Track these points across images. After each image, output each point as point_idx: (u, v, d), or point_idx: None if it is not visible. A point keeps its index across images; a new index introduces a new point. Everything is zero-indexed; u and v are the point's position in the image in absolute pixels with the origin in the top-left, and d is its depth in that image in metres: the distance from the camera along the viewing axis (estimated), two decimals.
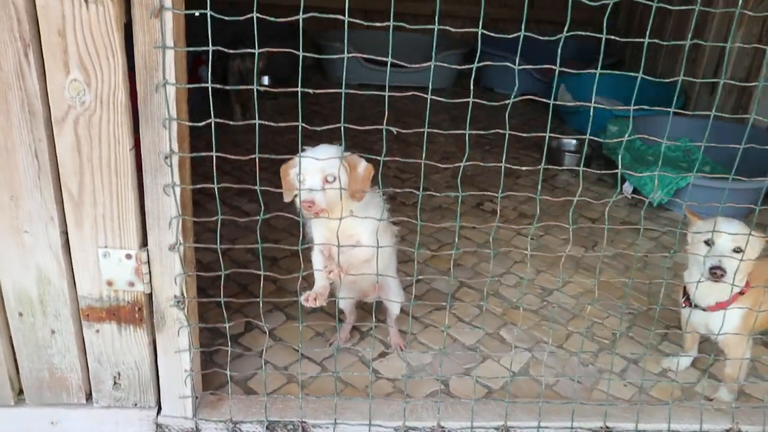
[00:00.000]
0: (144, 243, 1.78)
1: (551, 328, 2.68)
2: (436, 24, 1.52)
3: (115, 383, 1.97)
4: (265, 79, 5.40)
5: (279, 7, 6.16)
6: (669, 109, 1.88)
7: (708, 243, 2.12)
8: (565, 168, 4.33)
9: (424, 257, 3.18)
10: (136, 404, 2.00)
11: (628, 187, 3.88)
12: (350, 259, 2.06)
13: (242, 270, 1.99)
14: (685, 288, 2.29)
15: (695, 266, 2.17)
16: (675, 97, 1.84)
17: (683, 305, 2.29)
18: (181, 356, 1.92)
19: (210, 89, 1.55)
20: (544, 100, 1.79)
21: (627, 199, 3.92)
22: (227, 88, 3.20)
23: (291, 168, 2.04)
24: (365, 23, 1.61)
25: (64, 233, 1.76)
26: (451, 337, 2.62)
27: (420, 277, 2.97)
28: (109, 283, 1.81)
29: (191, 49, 1.54)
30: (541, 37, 1.69)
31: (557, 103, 1.81)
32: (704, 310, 2.20)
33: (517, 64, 1.66)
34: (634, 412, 2.12)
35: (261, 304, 1.90)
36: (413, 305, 2.80)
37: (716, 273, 2.03)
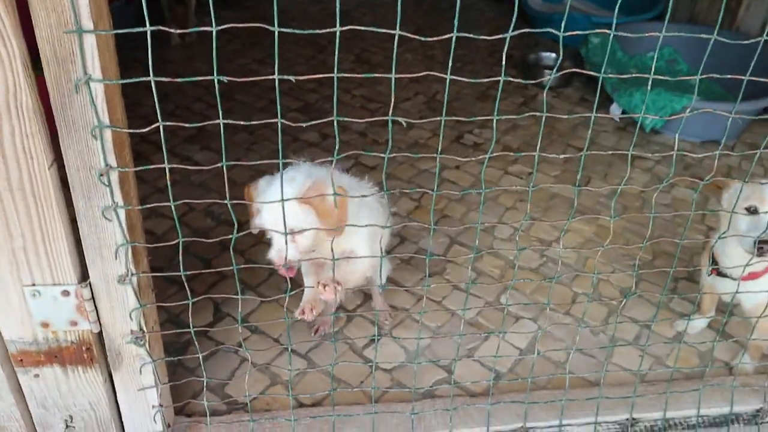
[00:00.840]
0: (84, 276, 1.39)
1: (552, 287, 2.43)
2: None
3: (67, 426, 1.63)
4: None
5: None
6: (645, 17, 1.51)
7: (751, 210, 1.85)
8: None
9: (407, 209, 2.84)
10: None
11: (616, 109, 3.56)
12: (346, 276, 1.72)
13: (202, 239, 1.48)
14: (712, 253, 2.05)
15: (731, 233, 1.91)
16: None
17: (709, 273, 2.04)
18: (146, 393, 1.59)
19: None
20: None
21: (616, 123, 3.61)
22: None
23: (255, 194, 1.63)
24: None
25: None
26: (448, 311, 2.35)
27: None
28: (45, 325, 1.43)
29: (121, 31, 1.08)
30: None
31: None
32: (734, 279, 1.96)
33: None
34: (661, 400, 1.92)
35: (239, 322, 1.56)
36: (397, 270, 2.51)
37: (763, 248, 1.78)
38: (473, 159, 2.18)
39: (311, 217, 1.55)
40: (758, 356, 2.15)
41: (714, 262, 2.03)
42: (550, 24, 4.62)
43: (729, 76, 1.41)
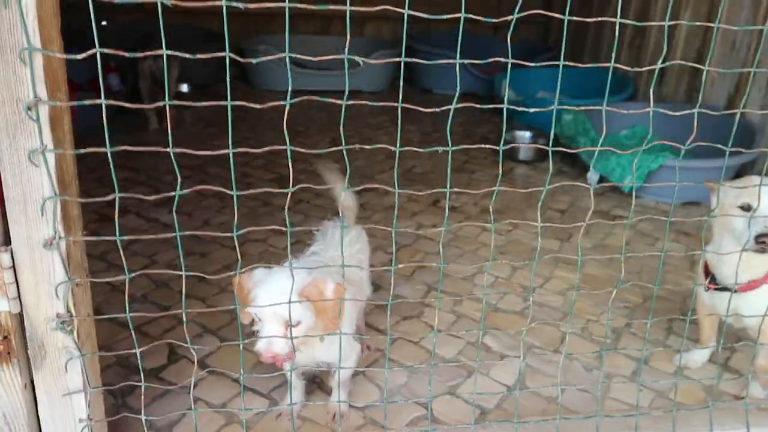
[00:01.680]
0: (6, 240, 1.24)
1: (538, 326, 2.25)
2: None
3: None
4: (184, 87, 4.84)
5: (195, 13, 5.53)
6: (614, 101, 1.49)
7: (744, 207, 1.75)
8: (521, 161, 3.99)
9: (383, 262, 2.70)
10: None
11: (593, 175, 3.55)
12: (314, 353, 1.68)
13: (171, 273, 1.44)
14: (706, 267, 1.91)
15: (727, 238, 1.80)
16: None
17: (707, 288, 1.90)
18: (72, 401, 1.37)
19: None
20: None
21: (594, 189, 3.57)
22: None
23: (248, 286, 1.55)
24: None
25: None
26: (426, 351, 2.15)
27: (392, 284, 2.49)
28: None
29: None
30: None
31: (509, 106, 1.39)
32: (734, 291, 1.82)
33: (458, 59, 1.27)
34: (668, 421, 1.70)
35: (185, 322, 1.38)
36: (373, 314, 2.33)
37: (765, 242, 1.66)
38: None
39: (308, 313, 1.52)
40: None
41: (710, 278, 1.90)
42: (522, 112, 4.75)
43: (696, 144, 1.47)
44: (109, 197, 1.13)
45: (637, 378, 2.03)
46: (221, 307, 1.87)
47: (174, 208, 1.20)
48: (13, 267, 1.24)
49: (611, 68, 1.41)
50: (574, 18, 1.32)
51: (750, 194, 1.75)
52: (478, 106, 1.47)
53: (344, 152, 1.28)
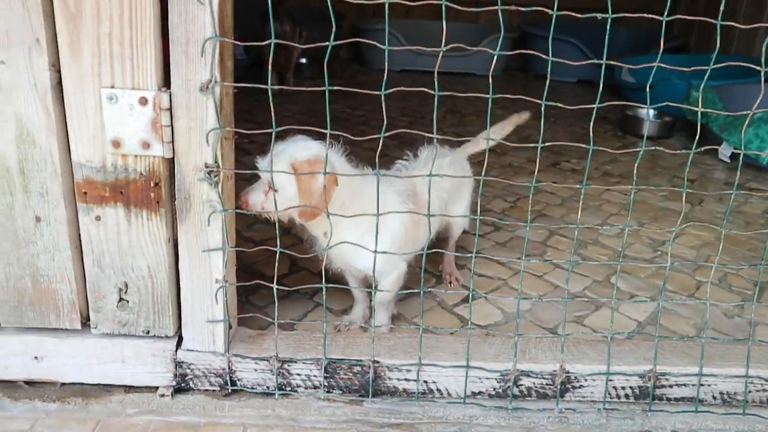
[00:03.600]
0: (166, 81, 1.28)
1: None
2: None
3: (120, 300, 1.43)
4: (303, 60, 4.97)
5: None
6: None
7: None
8: (644, 136, 3.80)
9: (502, 207, 2.63)
10: (148, 332, 1.46)
11: (725, 149, 3.32)
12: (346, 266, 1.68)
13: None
14: None
15: None
16: None
17: None
18: (211, 259, 1.39)
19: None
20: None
21: (726, 163, 3.35)
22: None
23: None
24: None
25: (55, 67, 1.26)
26: (550, 284, 2.06)
27: (505, 221, 2.42)
28: (116, 144, 1.29)
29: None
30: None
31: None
32: None
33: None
34: None
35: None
36: (493, 249, 2.26)
37: None
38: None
39: (290, 186, 1.43)
40: None
41: None
42: (641, 92, 4.54)
43: None
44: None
45: None
46: None
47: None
48: (170, 111, 1.27)
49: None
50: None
51: None
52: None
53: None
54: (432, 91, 1.28)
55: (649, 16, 1.32)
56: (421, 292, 1.46)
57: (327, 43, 1.23)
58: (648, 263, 2.23)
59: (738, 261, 2.28)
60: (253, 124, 3.59)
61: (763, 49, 1.25)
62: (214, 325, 1.45)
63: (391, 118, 3.85)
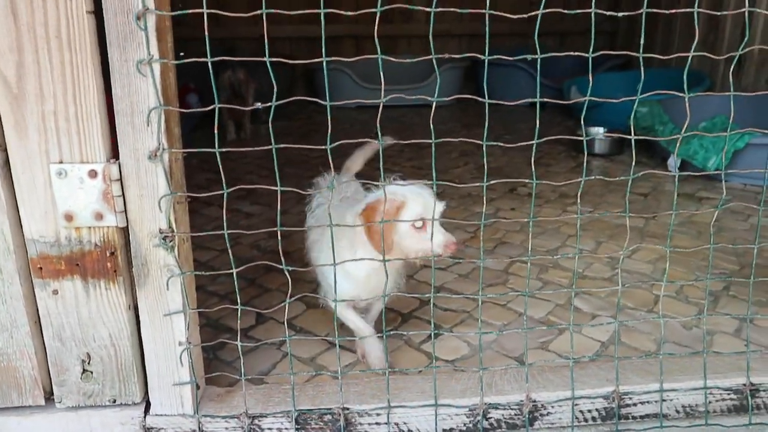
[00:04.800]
0: (114, 152, 1.30)
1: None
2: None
3: (84, 371, 1.43)
4: (258, 104, 5.02)
5: (271, 39, 5.73)
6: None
7: None
8: (597, 154, 3.91)
9: (463, 238, 2.68)
10: (114, 400, 1.46)
11: (673, 162, 3.44)
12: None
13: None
14: None
15: None
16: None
17: None
18: (173, 322, 1.40)
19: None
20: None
21: (673, 176, 3.46)
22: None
23: (397, 200, 1.52)
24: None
25: (2, 147, 1.27)
26: (514, 312, 2.10)
27: (458, 260, 2.46)
28: (68, 218, 1.30)
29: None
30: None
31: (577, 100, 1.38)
32: None
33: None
34: None
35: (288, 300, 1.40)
36: (457, 282, 2.30)
37: None
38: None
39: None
40: None
41: None
42: (594, 109, 4.69)
43: None
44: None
45: (746, 328, 1.91)
46: (305, 278, 1.92)
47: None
48: (120, 181, 1.29)
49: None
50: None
51: None
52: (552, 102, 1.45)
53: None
54: (375, 141, 1.32)
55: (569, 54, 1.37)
56: (384, 335, 1.48)
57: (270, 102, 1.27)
58: (608, 282, 2.29)
59: (693, 271, 2.35)
60: (212, 173, 3.60)
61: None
62: (181, 387, 1.45)
63: (349, 155, 3.91)
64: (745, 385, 1.56)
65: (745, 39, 1.34)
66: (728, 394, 1.56)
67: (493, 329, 2.00)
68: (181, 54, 1.36)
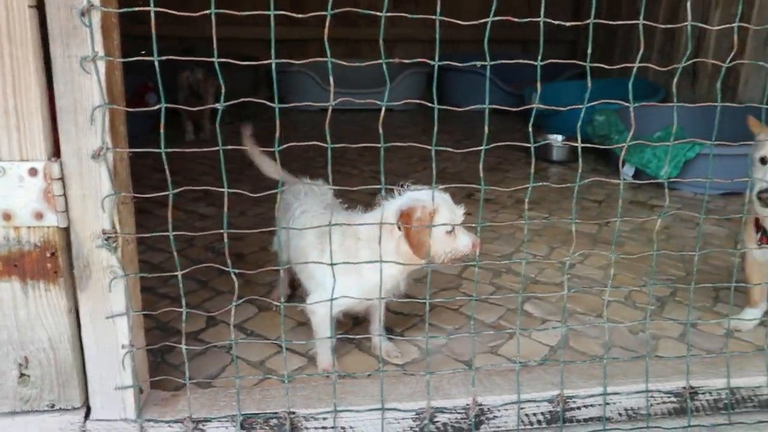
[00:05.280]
0: (55, 151, 1.27)
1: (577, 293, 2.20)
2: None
3: (21, 375, 1.39)
4: (218, 105, 4.97)
5: (229, 40, 5.72)
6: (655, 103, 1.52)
7: (764, 161, 1.73)
8: (554, 161, 3.98)
9: None
10: (53, 405, 1.42)
11: (628, 170, 3.52)
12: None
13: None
14: (757, 222, 1.87)
15: None
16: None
17: (759, 243, 1.85)
18: (115, 325, 1.37)
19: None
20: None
21: (629, 183, 3.54)
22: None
23: (429, 208, 1.59)
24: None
25: None
26: (465, 317, 2.12)
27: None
28: (7, 217, 1.27)
29: None
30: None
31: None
32: None
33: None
34: (721, 366, 1.63)
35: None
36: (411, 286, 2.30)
37: (765, 198, 1.65)
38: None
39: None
40: None
41: (762, 233, 1.85)
42: (553, 117, 4.77)
43: None
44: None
45: (687, 333, 1.96)
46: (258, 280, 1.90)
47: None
48: (62, 180, 1.27)
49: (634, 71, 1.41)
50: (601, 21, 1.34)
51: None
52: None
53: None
54: (324, 144, 1.32)
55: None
56: (332, 338, 1.48)
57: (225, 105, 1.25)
58: (559, 287, 2.33)
59: (642, 277, 2.40)
60: (170, 173, 3.55)
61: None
62: (123, 391, 1.42)
63: (309, 158, 3.90)
64: (685, 388, 1.60)
65: (688, 51, 1.37)
66: (669, 397, 1.60)
67: (444, 333, 2.02)
68: (142, 52, 1.34)
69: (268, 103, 1.31)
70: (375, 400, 1.51)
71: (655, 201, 3.31)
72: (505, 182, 3.54)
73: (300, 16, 1.30)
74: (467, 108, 1.50)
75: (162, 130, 1.25)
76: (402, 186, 1.69)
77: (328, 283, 1.46)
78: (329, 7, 1.21)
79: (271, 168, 2.10)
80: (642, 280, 2.38)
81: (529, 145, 1.46)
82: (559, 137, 4.21)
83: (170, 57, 1.21)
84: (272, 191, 1.38)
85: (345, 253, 1.61)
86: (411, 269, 1.71)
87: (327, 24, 1.22)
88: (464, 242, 1.64)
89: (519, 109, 1.55)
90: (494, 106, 1.48)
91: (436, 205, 1.59)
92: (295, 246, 1.83)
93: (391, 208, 1.64)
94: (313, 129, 4.96)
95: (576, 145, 1.53)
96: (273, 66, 1.23)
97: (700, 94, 4.40)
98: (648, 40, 5.01)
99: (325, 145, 1.32)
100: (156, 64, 1.18)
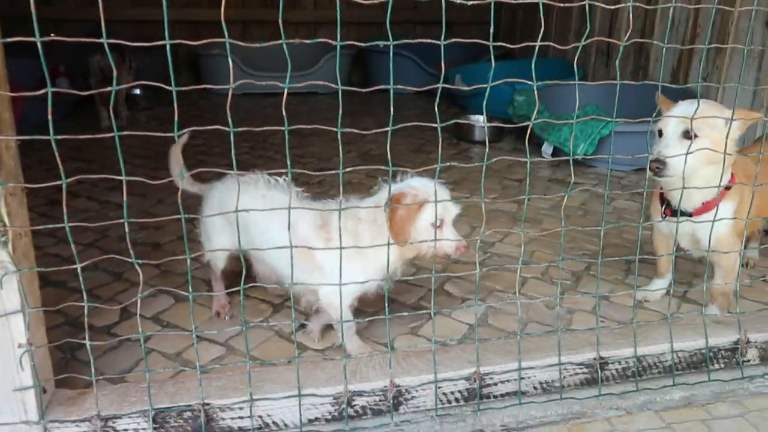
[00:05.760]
0: None
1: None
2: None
3: None
4: (137, 90, 4.78)
5: (143, 22, 5.48)
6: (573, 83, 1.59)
7: (660, 134, 1.80)
8: (477, 141, 4.02)
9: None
10: None
11: (547, 148, 3.60)
12: None
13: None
14: (662, 195, 1.93)
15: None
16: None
17: (663, 215, 1.92)
18: (10, 323, 1.30)
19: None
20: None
21: (549, 161, 3.62)
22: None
23: (417, 199, 1.63)
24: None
25: None
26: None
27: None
28: None
29: None
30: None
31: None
32: (690, 215, 1.84)
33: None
34: (629, 336, 1.70)
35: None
36: None
37: (654, 168, 1.72)
38: None
39: None
40: (725, 304, 1.97)
41: (665, 205, 1.92)
42: (475, 97, 4.82)
43: None
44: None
45: (597, 308, 2.03)
46: (176, 270, 1.85)
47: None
48: None
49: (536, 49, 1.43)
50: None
51: (664, 121, 1.80)
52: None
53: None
54: (226, 128, 1.28)
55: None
56: (243, 328, 1.45)
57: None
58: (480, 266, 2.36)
59: (559, 253, 2.46)
60: (82, 162, 3.39)
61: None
62: (23, 392, 1.35)
63: (230, 143, 3.81)
64: (595, 359, 1.65)
65: (587, 31, 1.40)
66: (581, 368, 1.65)
67: (365, 316, 2.01)
68: (51, 35, 1.26)
69: (165, 87, 1.25)
70: (292, 386, 1.49)
71: (575, 179, 3.40)
72: (428, 163, 3.50)
73: None
74: (370, 89, 1.48)
75: (50, 116, 1.18)
76: (405, 174, 1.75)
77: (337, 270, 1.48)
78: None
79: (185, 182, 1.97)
80: (560, 256, 2.44)
81: (436, 125, 1.45)
82: (481, 118, 4.27)
83: (54, 38, 1.14)
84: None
85: (348, 235, 1.62)
86: (406, 255, 1.73)
87: (223, 4, 1.17)
88: (448, 241, 1.65)
89: (431, 88, 1.54)
90: (397, 87, 1.46)
91: (426, 196, 1.62)
92: (275, 243, 1.60)
93: (385, 192, 1.66)
94: (236, 113, 4.84)
95: (499, 125, 1.56)
96: (168, 47, 1.17)
97: (613, 73, 4.53)
98: (566, 21, 5.13)
99: (226, 129, 1.27)
100: (38, 45, 1.11)
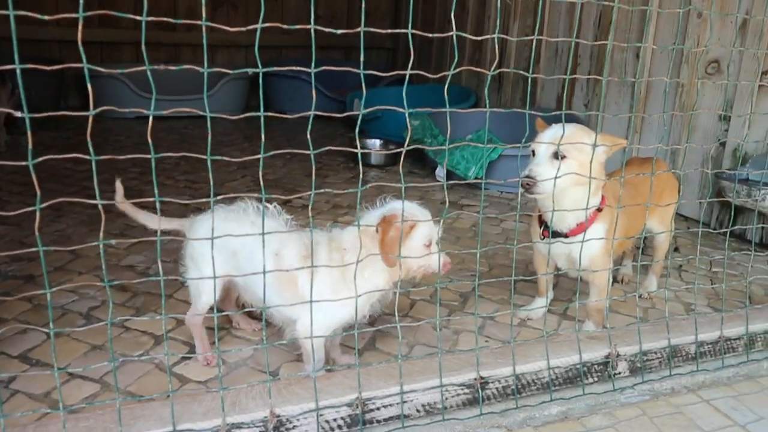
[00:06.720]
0: None
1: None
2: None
3: None
4: (18, 113, 4.52)
5: (39, 42, 5.20)
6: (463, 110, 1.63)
7: (534, 153, 1.90)
8: (373, 165, 4.07)
9: None
10: None
11: (440, 171, 3.69)
12: None
13: None
14: (540, 218, 2.02)
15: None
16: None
17: (541, 237, 2.00)
18: None
19: None
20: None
21: (442, 183, 3.72)
22: None
23: (413, 227, 1.67)
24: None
25: None
26: (273, 327, 2.09)
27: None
28: None
29: None
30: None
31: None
32: (566, 236, 1.93)
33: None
34: (509, 355, 1.75)
35: None
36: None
37: (525, 184, 1.82)
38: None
39: None
40: (600, 320, 2.07)
41: (543, 227, 2.00)
42: (373, 122, 4.89)
43: None
44: None
45: (476, 329, 2.08)
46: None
47: None
48: None
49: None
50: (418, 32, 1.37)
51: (536, 143, 1.90)
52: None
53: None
54: (120, 157, 1.23)
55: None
56: (113, 363, 1.38)
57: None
58: None
59: (448, 275, 2.52)
60: None
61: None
62: None
63: (121, 170, 3.66)
64: (476, 379, 1.69)
65: (455, 60, 1.45)
66: (462, 389, 1.68)
67: (252, 345, 1.97)
68: None
69: (16, 114, 1.19)
70: (167, 422, 1.43)
71: (465, 200, 3.50)
72: (324, 187, 3.56)
73: (52, 17, 1.19)
74: (237, 117, 1.46)
75: None
76: (384, 199, 1.78)
77: (324, 302, 1.50)
78: (80, 9, 1.12)
79: (150, 219, 1.88)
80: (447, 278, 2.49)
81: (354, 150, 1.45)
82: (378, 142, 4.33)
83: None
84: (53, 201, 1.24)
85: (335, 266, 1.63)
86: (395, 277, 1.73)
87: (80, 26, 1.13)
88: (436, 259, 1.68)
89: (342, 115, 1.57)
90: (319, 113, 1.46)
91: (415, 217, 1.68)
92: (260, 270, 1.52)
93: (374, 214, 1.69)
94: (128, 137, 4.68)
95: (396, 151, 1.60)
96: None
97: (505, 99, 4.73)
98: (460, 49, 5.31)
99: (90, 157, 1.22)
100: None
